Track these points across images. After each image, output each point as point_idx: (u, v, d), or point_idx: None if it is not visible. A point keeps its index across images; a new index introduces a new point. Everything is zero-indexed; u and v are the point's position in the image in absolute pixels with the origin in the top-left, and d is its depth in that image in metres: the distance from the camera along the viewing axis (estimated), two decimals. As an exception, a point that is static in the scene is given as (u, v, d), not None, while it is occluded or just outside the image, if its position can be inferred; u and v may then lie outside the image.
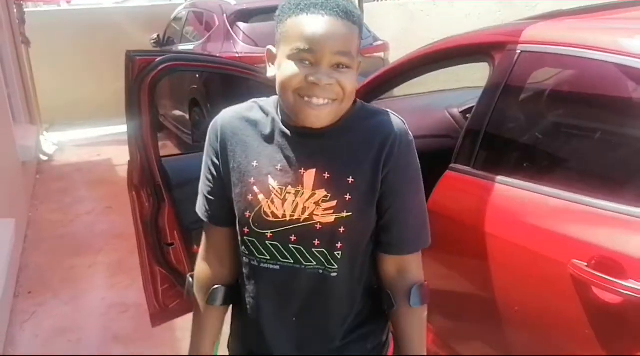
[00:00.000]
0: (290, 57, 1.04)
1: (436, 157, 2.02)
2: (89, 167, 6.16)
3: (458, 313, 2.07)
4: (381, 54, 5.60)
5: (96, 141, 7.32)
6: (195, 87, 5.38)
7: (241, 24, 5.39)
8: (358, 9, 1.09)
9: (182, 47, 6.44)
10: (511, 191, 1.73)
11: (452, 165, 1.99)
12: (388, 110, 1.16)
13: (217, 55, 4.89)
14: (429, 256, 2.00)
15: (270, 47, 1.14)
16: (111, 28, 8.49)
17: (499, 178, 1.78)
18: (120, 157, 6.10)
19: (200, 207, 1.26)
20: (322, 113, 1.05)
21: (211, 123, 1.21)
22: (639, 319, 1.32)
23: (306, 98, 1.04)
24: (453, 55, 2.18)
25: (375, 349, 1.26)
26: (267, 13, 5.44)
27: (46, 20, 8.41)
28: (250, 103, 1.20)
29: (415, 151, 1.14)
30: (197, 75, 5.15)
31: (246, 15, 5.38)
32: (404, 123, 1.14)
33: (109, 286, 3.48)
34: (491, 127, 1.89)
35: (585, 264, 1.42)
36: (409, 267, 1.19)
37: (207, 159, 1.22)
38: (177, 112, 6.16)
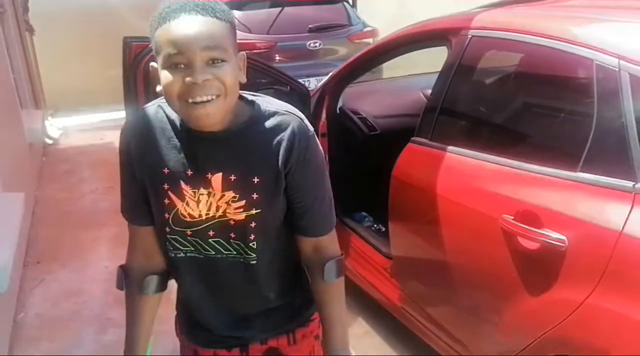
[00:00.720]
0: (164, 67, 1.05)
1: (411, 133, 2.27)
2: (93, 150, 6.42)
3: (420, 271, 2.34)
4: (370, 40, 5.81)
5: (99, 126, 7.57)
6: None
7: (235, 12, 5.61)
8: (224, 5, 1.09)
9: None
10: (458, 159, 1.99)
11: (413, 138, 2.24)
12: (287, 107, 1.19)
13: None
14: (395, 218, 2.28)
15: (152, 63, 1.12)
16: (112, 15, 8.70)
17: (450, 148, 2.03)
18: (122, 140, 6.38)
19: (123, 210, 1.28)
20: (209, 111, 1.05)
21: (122, 130, 1.23)
22: (552, 261, 1.56)
23: (190, 100, 1.04)
24: (417, 39, 2.42)
25: (302, 308, 1.37)
26: (259, 1, 5.68)
27: (49, 8, 8.63)
28: (155, 107, 1.19)
29: (317, 144, 1.19)
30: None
31: (240, 4, 5.61)
32: (303, 121, 1.17)
33: (111, 256, 3.75)
34: (445, 104, 2.14)
35: (512, 217, 1.68)
36: (323, 245, 1.27)
37: (123, 164, 1.23)
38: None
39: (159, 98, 1.18)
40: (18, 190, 3.63)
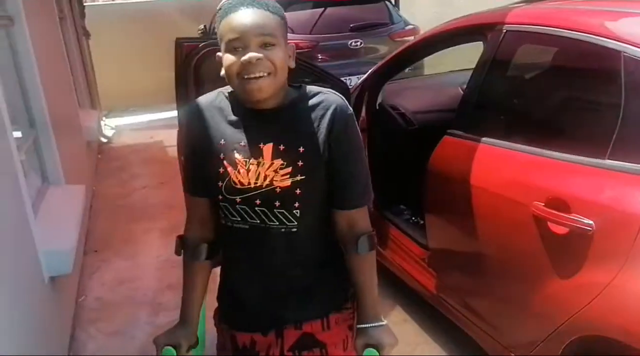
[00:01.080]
0: (226, 50, 1.25)
1: (448, 128, 2.36)
2: (144, 148, 6.72)
3: (455, 259, 2.42)
4: (411, 38, 5.86)
5: (149, 125, 7.89)
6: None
7: (280, 13, 5.77)
8: (276, 3, 1.29)
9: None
10: (492, 149, 2.07)
11: (448, 130, 2.33)
12: (329, 89, 1.36)
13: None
14: (431, 207, 2.37)
15: (218, 53, 1.31)
16: (162, 20, 9.04)
17: (483, 139, 2.11)
18: (171, 139, 6.60)
19: (183, 183, 1.44)
20: (260, 85, 1.22)
21: (184, 113, 1.42)
22: (579, 245, 1.63)
23: (245, 77, 1.22)
24: (454, 36, 2.51)
25: (336, 293, 1.46)
26: (303, 2, 5.82)
27: (103, 14, 9.04)
28: (216, 92, 1.39)
29: (356, 123, 1.34)
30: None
31: (284, 5, 5.75)
32: (344, 100, 1.34)
33: (162, 247, 3.97)
34: (480, 96, 2.22)
35: (543, 204, 1.75)
36: (357, 221, 1.38)
37: (185, 143, 1.41)
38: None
39: (220, 88, 1.38)
40: (78, 184, 3.88)
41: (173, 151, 6.17)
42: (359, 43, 5.83)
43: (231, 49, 1.23)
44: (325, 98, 1.32)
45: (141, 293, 3.39)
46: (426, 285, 2.64)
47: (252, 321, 1.44)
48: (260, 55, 1.21)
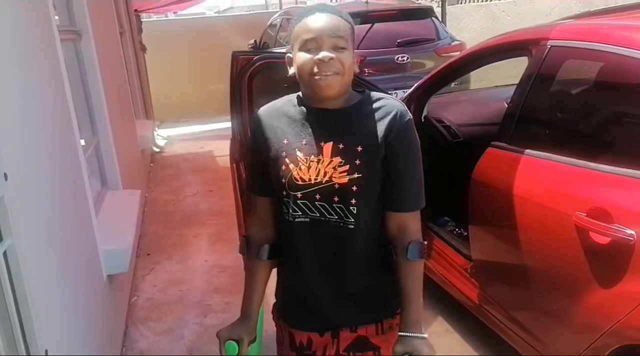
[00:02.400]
0: (300, 49, 1.34)
1: (492, 140, 2.41)
2: (194, 157, 6.97)
3: (498, 268, 2.45)
4: (457, 53, 5.90)
5: (200, 136, 8.18)
6: (287, 85, 5.97)
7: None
8: (345, 13, 1.39)
9: (276, 50, 7.09)
10: (535, 161, 2.11)
11: (492, 142, 2.38)
12: (390, 95, 1.45)
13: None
14: (475, 217, 2.41)
15: (288, 54, 1.42)
16: (214, 35, 9.37)
17: (527, 151, 2.15)
18: (220, 149, 6.92)
19: (248, 184, 1.60)
20: (329, 82, 1.31)
21: (252, 118, 1.52)
22: (621, 255, 1.66)
23: (317, 77, 1.31)
24: (499, 51, 2.56)
25: (390, 298, 1.49)
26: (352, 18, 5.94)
27: (158, 29, 9.43)
28: (284, 99, 1.49)
29: (414, 129, 1.40)
30: (288, 74, 5.74)
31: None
32: (404, 105, 1.41)
33: (210, 252, 4.13)
34: (524, 109, 2.26)
35: (585, 214, 1.78)
36: (408, 225, 1.42)
37: (251, 145, 1.52)
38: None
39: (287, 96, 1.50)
40: (133, 189, 4.09)
41: (222, 160, 6.42)
42: (405, 58, 5.92)
43: (305, 48, 1.33)
44: (387, 102, 1.40)
45: (190, 294, 3.53)
46: (469, 296, 2.67)
47: (309, 321, 1.50)
48: (332, 54, 1.30)
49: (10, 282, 1.32)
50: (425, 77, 3.06)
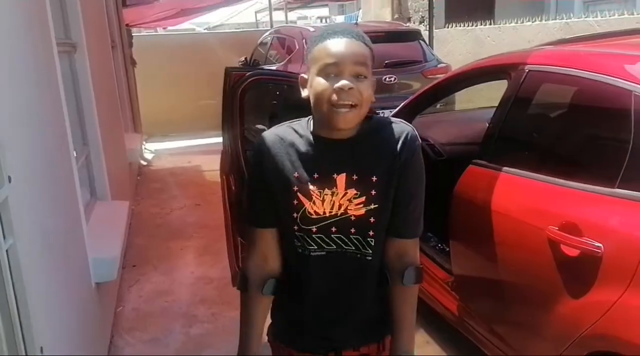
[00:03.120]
0: (319, 74, 1.27)
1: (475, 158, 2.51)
2: (181, 171, 7.03)
3: (477, 280, 2.54)
4: (443, 76, 6.06)
5: (187, 151, 8.24)
6: (275, 102, 6.08)
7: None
8: (367, 38, 1.33)
9: (266, 67, 7.21)
10: (512, 178, 2.22)
11: (473, 160, 2.49)
12: (400, 119, 1.40)
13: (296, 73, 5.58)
14: (455, 231, 2.51)
15: (302, 74, 1.37)
16: (204, 52, 9.50)
17: (505, 168, 2.27)
18: (208, 164, 6.99)
19: (247, 216, 1.45)
20: (347, 117, 1.26)
21: (254, 146, 1.44)
22: (590, 266, 1.76)
23: (335, 106, 1.25)
24: (480, 74, 2.69)
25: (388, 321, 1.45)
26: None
27: (148, 44, 9.51)
28: (285, 127, 1.40)
29: (421, 154, 1.36)
30: (277, 92, 5.84)
31: (322, 40, 6.05)
32: (414, 130, 1.36)
33: (197, 264, 4.18)
34: (504, 130, 2.38)
35: (557, 228, 1.89)
36: (407, 251, 1.39)
37: (254, 175, 1.42)
38: (259, 126, 6.91)
39: (287, 122, 1.43)
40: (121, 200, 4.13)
41: (210, 175, 6.49)
42: (392, 79, 6.06)
43: (324, 73, 1.27)
44: (397, 127, 1.35)
45: (176, 305, 3.57)
46: (450, 308, 2.75)
47: (312, 343, 1.47)
48: (352, 85, 1.24)
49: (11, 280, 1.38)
50: (411, 97, 3.19)
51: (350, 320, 1.45)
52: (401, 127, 1.36)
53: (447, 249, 2.85)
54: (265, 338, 1.53)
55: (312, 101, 1.31)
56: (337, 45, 1.28)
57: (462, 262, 2.62)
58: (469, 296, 2.63)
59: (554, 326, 1.94)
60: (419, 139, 1.37)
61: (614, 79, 1.87)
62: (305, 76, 1.35)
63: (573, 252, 1.82)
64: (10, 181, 1.41)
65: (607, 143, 1.99)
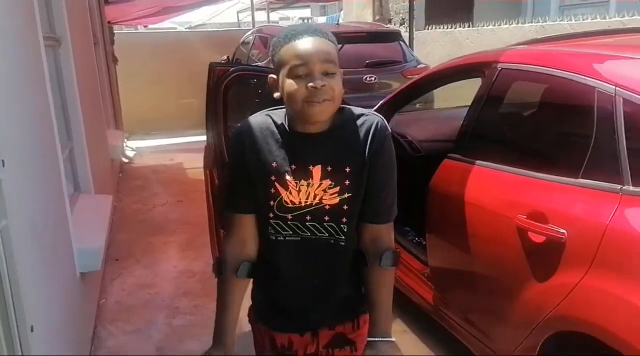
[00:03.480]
0: (289, 76, 1.31)
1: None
2: (163, 169, 7.05)
3: (451, 268, 2.65)
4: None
5: (169, 148, 8.26)
6: (257, 100, 6.15)
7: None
8: (330, 33, 1.36)
9: (248, 67, 7.27)
10: (485, 171, 2.33)
11: (448, 154, 2.59)
12: (370, 110, 1.46)
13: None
14: (431, 222, 2.61)
15: (271, 75, 1.40)
16: (185, 50, 9.52)
17: (478, 162, 2.37)
18: (190, 161, 7.04)
19: (226, 201, 1.49)
20: (322, 110, 1.31)
21: (234, 133, 1.46)
22: (554, 251, 1.87)
23: (309, 102, 1.30)
24: (456, 73, 2.80)
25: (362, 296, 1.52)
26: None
27: (129, 42, 9.49)
28: (264, 116, 1.44)
29: (392, 144, 1.42)
30: (259, 90, 5.91)
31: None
32: (384, 120, 1.42)
33: (180, 258, 4.23)
34: (477, 125, 2.49)
35: (525, 217, 2.00)
36: (382, 236, 1.45)
37: (232, 162, 1.48)
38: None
39: (265, 110, 1.46)
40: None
41: (192, 172, 6.53)
42: (373, 78, 6.18)
43: (294, 74, 1.31)
44: (367, 118, 1.41)
45: (158, 298, 3.62)
46: (426, 298, 2.85)
47: (291, 324, 1.53)
48: (325, 82, 1.29)
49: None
50: (390, 96, 3.28)
51: (325, 301, 1.51)
52: (371, 118, 1.41)
53: (424, 242, 2.96)
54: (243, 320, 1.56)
55: (285, 101, 1.36)
56: (304, 45, 1.31)
57: (437, 252, 2.72)
58: (443, 286, 2.73)
59: (522, 311, 2.05)
60: (389, 129, 1.43)
61: (580, 76, 1.98)
62: (274, 76, 1.38)
63: (539, 239, 1.93)
64: (3, 165, 1.46)
65: (572, 137, 2.10)
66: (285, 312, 1.53)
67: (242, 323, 1.59)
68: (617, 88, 1.84)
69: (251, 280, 1.53)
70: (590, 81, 1.94)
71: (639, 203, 1.70)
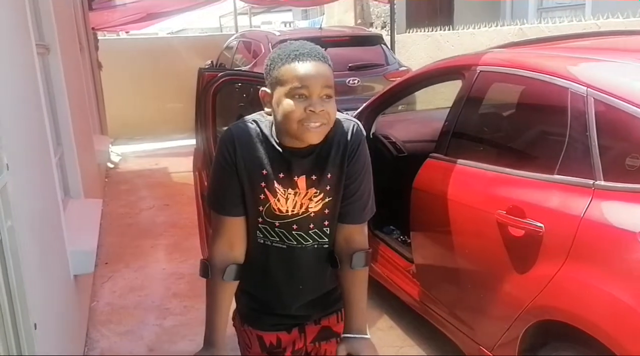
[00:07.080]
0: (287, 96, 1.33)
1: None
2: (149, 173, 7.08)
3: (435, 263, 2.75)
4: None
5: (154, 153, 8.28)
6: (242, 104, 6.23)
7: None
8: (328, 57, 1.39)
9: (232, 71, 7.33)
10: (467, 169, 2.43)
11: (430, 154, 2.70)
12: (346, 114, 1.52)
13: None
14: (415, 220, 2.70)
15: (264, 88, 1.41)
16: (169, 55, 9.55)
17: (459, 161, 2.48)
18: (175, 166, 7.08)
19: (215, 204, 1.49)
20: (318, 134, 1.35)
21: (224, 136, 1.44)
22: (533, 245, 1.97)
23: (305, 124, 1.32)
24: (436, 75, 2.90)
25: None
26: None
27: (113, 48, 9.49)
28: (252, 123, 1.45)
29: (367, 147, 1.47)
30: (244, 95, 5.99)
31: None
32: (359, 124, 1.47)
33: (168, 260, 4.28)
34: (458, 125, 2.59)
35: (505, 212, 2.10)
36: (354, 236, 1.50)
37: (223, 164, 1.43)
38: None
39: (253, 114, 1.48)
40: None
41: (177, 177, 6.58)
42: (356, 81, 6.28)
43: (293, 95, 1.33)
44: (345, 123, 1.45)
45: (149, 299, 3.68)
46: (411, 294, 2.95)
47: (277, 322, 1.58)
48: (323, 108, 1.32)
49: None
50: (373, 98, 3.38)
51: (310, 298, 1.57)
52: (347, 123, 1.45)
53: (409, 241, 3.05)
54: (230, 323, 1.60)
55: (278, 118, 1.37)
56: (306, 68, 1.33)
57: (422, 250, 2.82)
58: (429, 282, 2.82)
59: (504, 303, 2.15)
60: (364, 132, 1.47)
61: (554, 78, 2.10)
62: (268, 91, 1.40)
63: (518, 233, 2.04)
64: (8, 169, 1.53)
65: (548, 135, 2.22)
66: (270, 312, 1.58)
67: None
68: (588, 89, 1.95)
69: (237, 283, 1.55)
70: (563, 83, 2.05)
71: (610, 196, 1.81)
